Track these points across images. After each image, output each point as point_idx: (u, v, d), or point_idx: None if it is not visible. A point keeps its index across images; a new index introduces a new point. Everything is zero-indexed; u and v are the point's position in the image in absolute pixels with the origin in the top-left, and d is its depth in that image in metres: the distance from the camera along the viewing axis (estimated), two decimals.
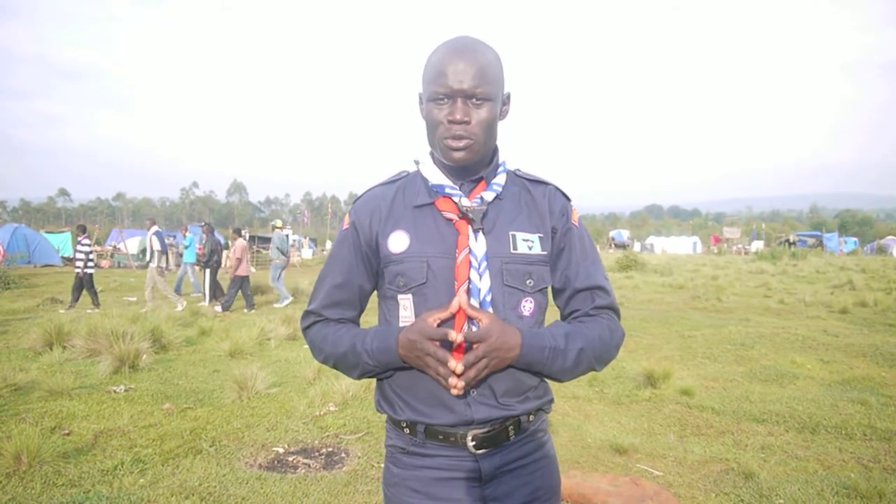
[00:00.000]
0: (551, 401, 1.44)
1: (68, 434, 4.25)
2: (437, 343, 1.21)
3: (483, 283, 1.28)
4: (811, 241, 46.80)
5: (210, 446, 4.08)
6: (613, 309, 1.40)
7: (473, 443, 1.31)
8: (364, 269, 1.40)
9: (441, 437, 1.32)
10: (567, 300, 1.40)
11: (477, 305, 1.28)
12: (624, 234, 59.48)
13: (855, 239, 53.96)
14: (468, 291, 1.28)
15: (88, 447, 4.01)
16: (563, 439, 4.29)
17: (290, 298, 12.40)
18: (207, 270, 12.40)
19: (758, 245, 44.44)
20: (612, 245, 51.29)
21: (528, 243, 1.34)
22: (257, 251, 29.36)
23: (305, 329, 1.44)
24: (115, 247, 26.88)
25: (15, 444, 3.62)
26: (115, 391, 5.33)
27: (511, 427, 1.34)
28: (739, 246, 47.26)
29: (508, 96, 1.37)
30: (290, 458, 3.93)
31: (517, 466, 1.36)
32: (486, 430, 1.32)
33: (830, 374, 6.15)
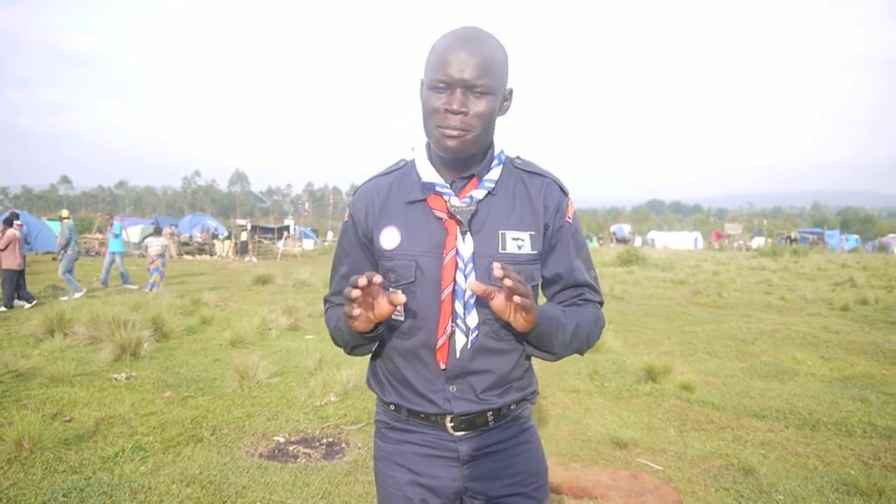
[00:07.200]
0: (535, 392, 1.46)
1: (69, 421, 4.26)
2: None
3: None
4: (813, 238, 46.73)
5: (211, 435, 4.09)
6: (601, 304, 1.46)
7: (452, 424, 1.35)
8: (367, 258, 1.42)
9: (422, 416, 1.37)
10: (556, 293, 1.43)
11: (462, 306, 1.31)
12: (625, 229, 59.36)
13: (856, 237, 53.85)
14: (453, 292, 1.30)
15: (90, 434, 4.02)
16: (564, 432, 4.29)
17: (83, 290, 11.47)
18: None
19: (759, 241, 44.36)
20: (614, 239, 51.24)
21: (519, 242, 1.34)
22: (259, 242, 29.39)
23: (324, 314, 1.53)
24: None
25: (16, 430, 3.63)
26: (116, 379, 5.34)
27: (490, 413, 1.37)
28: (741, 242, 47.19)
29: (510, 92, 1.35)
30: (291, 448, 3.94)
31: (496, 450, 1.39)
32: (464, 414, 1.35)
33: (831, 371, 6.15)
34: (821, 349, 7.17)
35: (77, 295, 11.12)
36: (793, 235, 47.22)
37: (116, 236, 13.54)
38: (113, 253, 13.43)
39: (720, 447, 4.05)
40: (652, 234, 58.33)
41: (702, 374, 6.00)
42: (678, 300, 12.12)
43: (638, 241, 49.44)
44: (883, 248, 40.78)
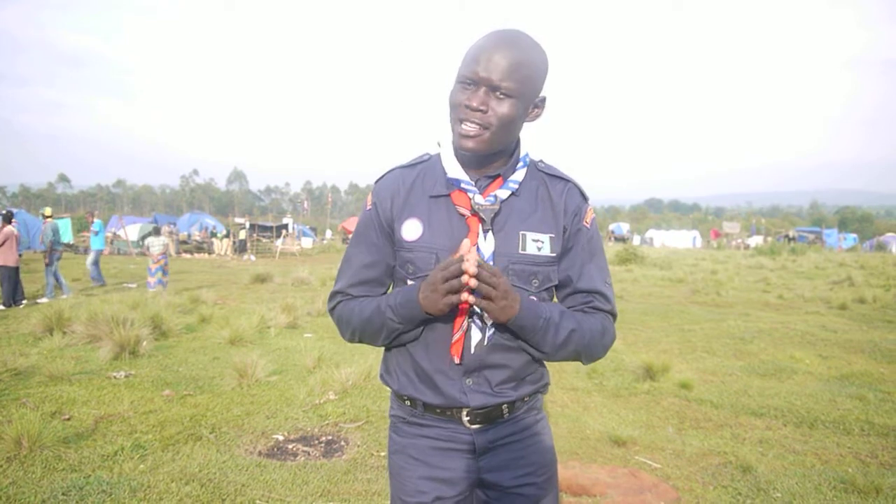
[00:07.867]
0: (547, 384, 1.48)
1: (69, 419, 4.26)
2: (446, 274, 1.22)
3: None
4: (811, 237, 46.81)
5: (210, 433, 4.09)
6: (611, 314, 1.44)
7: (468, 418, 1.37)
8: (390, 248, 1.42)
9: (438, 410, 1.38)
10: (565, 297, 1.43)
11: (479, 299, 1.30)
12: (624, 228, 59.36)
13: (854, 235, 53.94)
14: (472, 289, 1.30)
15: (89, 432, 4.02)
16: (562, 430, 4.30)
17: (68, 294, 11.09)
18: None
19: (757, 240, 44.42)
20: (612, 238, 51.28)
21: (538, 244, 1.36)
22: (257, 240, 29.36)
23: (332, 309, 1.47)
24: (114, 233, 26.83)
25: (16, 429, 3.63)
26: (115, 377, 5.34)
27: (505, 406, 1.38)
28: (739, 241, 47.25)
29: (543, 100, 1.36)
30: (290, 446, 3.94)
31: (510, 441, 1.41)
32: (480, 408, 1.37)
33: (829, 370, 6.17)
34: (819, 348, 7.19)
35: (45, 300, 10.54)
36: (791, 234, 47.32)
37: (97, 234, 13.46)
38: (95, 251, 13.33)
39: (718, 445, 4.07)
40: (650, 233, 58.39)
41: (700, 373, 6.02)
42: (677, 299, 12.14)
43: (636, 240, 49.47)
44: (881, 247, 40.86)
